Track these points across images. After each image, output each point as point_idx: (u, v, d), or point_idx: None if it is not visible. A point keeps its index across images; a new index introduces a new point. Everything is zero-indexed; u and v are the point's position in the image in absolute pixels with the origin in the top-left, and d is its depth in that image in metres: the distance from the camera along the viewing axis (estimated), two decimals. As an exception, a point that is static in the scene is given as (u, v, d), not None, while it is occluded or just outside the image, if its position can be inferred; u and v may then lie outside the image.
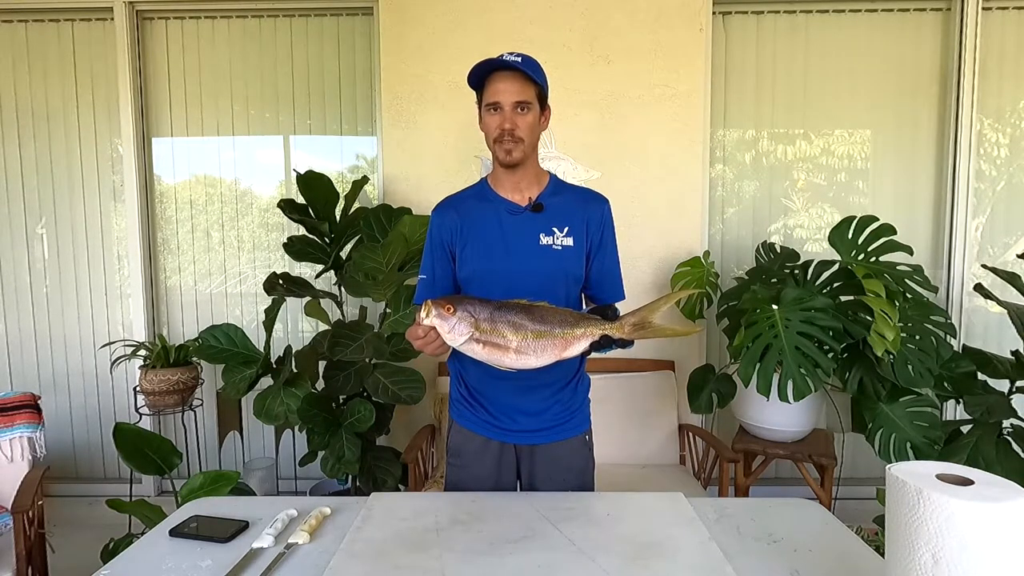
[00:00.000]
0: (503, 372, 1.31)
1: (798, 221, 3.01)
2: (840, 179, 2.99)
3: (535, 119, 1.43)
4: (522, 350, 1.18)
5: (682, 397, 2.63)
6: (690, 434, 2.64)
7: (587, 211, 1.48)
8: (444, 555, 1.13)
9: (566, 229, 1.45)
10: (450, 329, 1.19)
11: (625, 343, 1.26)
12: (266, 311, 2.42)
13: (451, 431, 1.59)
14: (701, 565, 1.09)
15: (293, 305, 3.09)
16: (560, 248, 1.44)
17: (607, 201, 1.53)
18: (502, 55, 1.40)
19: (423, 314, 1.20)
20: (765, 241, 2.66)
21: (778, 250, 2.58)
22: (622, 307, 1.56)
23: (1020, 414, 2.17)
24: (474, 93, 1.48)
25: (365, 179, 2.58)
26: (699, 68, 2.76)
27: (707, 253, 2.69)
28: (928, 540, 0.82)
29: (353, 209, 2.55)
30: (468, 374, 1.53)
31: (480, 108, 1.45)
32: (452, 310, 1.19)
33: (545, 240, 1.44)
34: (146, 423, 2.72)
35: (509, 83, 1.39)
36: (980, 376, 2.31)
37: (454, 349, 1.30)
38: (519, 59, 1.39)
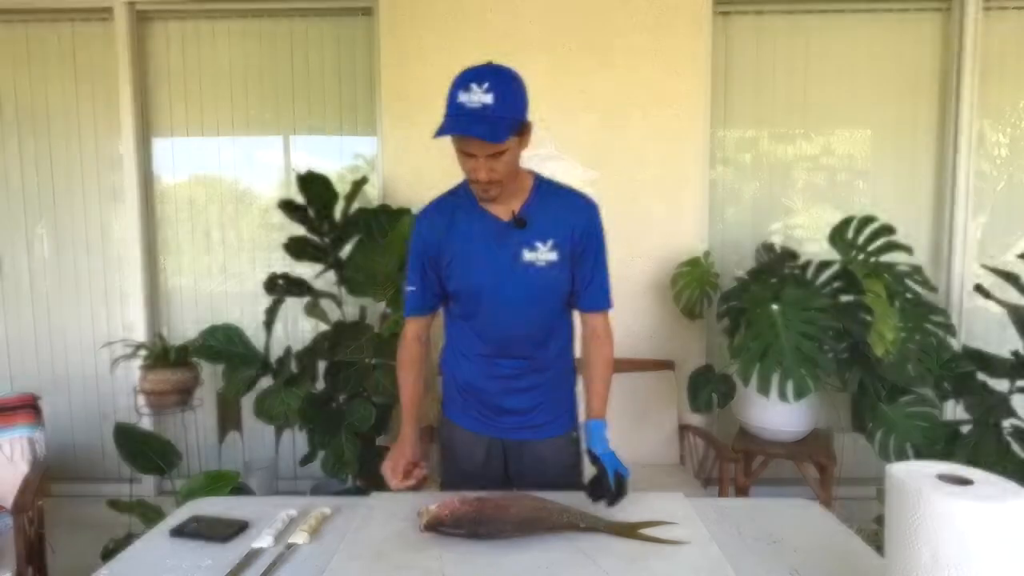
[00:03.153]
0: (495, 373, 1.49)
1: (798, 221, 3.01)
2: (840, 179, 2.98)
3: (514, 155, 1.31)
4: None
5: (682, 397, 2.63)
6: (690, 434, 2.64)
7: (572, 220, 1.42)
8: (444, 555, 1.13)
9: (550, 243, 1.40)
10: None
11: None
12: (266, 311, 2.42)
13: (442, 425, 1.63)
14: (701, 565, 1.09)
15: (293, 305, 3.08)
16: (543, 265, 1.40)
17: (594, 207, 1.45)
18: (462, 104, 1.23)
19: (419, 522, 1.20)
20: (765, 241, 2.66)
21: (778, 250, 2.58)
22: (610, 315, 1.53)
23: (1020, 414, 2.18)
24: None
25: (365, 179, 2.58)
26: (699, 68, 2.76)
27: (707, 253, 2.69)
28: (928, 540, 0.82)
29: (353, 209, 2.55)
30: (461, 372, 1.56)
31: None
32: (444, 522, 1.20)
33: (528, 256, 1.40)
34: (146, 423, 2.71)
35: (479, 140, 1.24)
36: (980, 376, 2.30)
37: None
38: (486, 108, 1.21)
